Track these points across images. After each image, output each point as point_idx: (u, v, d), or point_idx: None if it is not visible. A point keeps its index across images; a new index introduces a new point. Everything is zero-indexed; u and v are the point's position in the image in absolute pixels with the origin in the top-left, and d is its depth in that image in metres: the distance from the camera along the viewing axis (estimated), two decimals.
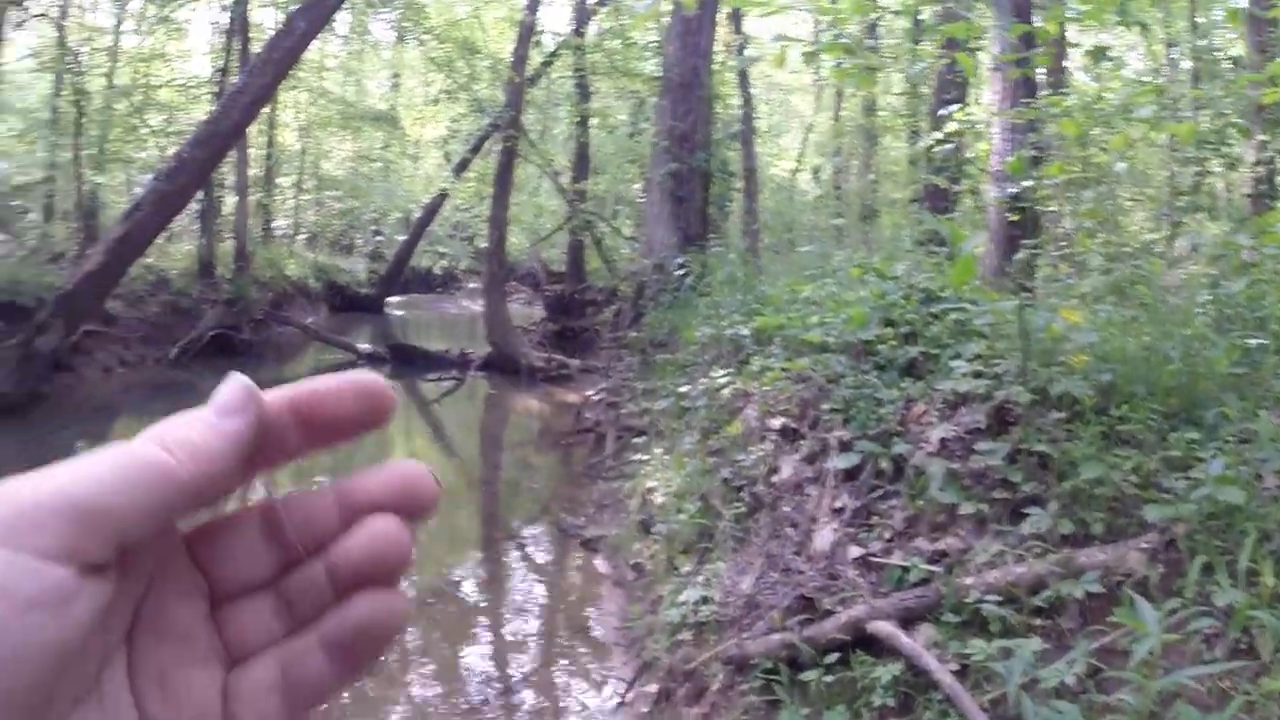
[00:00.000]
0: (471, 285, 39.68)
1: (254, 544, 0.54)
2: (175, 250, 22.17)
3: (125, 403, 15.79)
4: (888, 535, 4.54)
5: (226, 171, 21.34)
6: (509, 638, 6.73)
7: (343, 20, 21.89)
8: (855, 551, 4.54)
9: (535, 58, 20.23)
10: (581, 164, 21.88)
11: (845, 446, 4.98)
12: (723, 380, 6.70)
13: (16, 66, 28.06)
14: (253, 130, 19.40)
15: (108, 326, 17.47)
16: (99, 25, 27.45)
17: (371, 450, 12.88)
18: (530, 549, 8.71)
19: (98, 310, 15.78)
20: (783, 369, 5.85)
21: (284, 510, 0.55)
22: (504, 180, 18.08)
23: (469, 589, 7.58)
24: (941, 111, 10.11)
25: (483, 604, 7.27)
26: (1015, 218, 7.75)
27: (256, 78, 15.00)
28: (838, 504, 4.85)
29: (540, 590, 7.62)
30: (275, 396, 0.53)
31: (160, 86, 26.00)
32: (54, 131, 25.67)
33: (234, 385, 0.52)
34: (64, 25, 22.70)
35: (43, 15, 21.59)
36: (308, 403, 0.53)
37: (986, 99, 10.11)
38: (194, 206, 18.99)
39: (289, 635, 0.53)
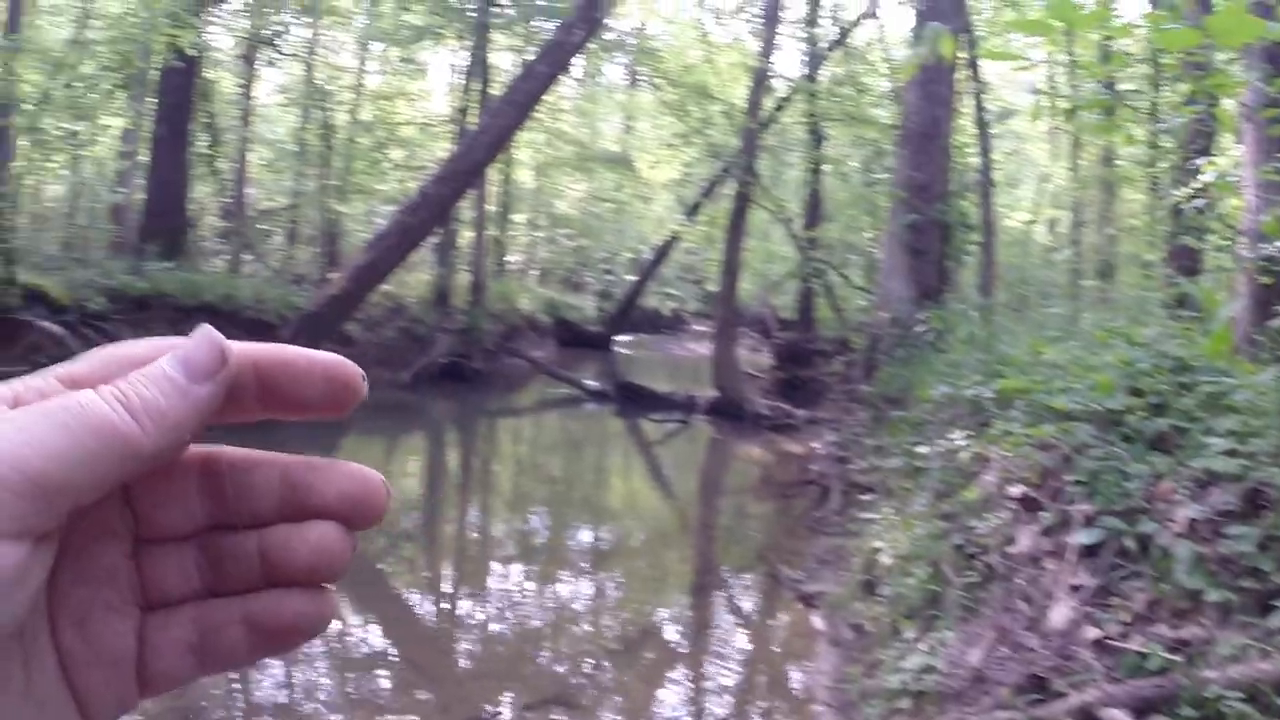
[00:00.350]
0: (698, 327, 39.96)
1: (188, 492, 0.52)
2: (413, 279, 23.08)
3: (355, 420, 16.45)
4: (1127, 618, 4.30)
5: (465, 206, 22.12)
6: (707, 685, 6.68)
7: (578, 63, 22.47)
8: (1092, 633, 4.32)
9: (767, 102, 20.29)
10: (814, 210, 21.78)
11: (1088, 521, 4.76)
12: (961, 442, 6.51)
13: (267, 101, 29.93)
14: (490, 168, 20.07)
15: (345, 347, 18.25)
16: (344, 65, 29.08)
17: (576, 463, 13.15)
18: (739, 598, 8.65)
19: (338, 332, 16.59)
20: (1025, 435, 5.64)
21: (227, 468, 0.52)
22: (737, 226, 18.17)
23: (671, 632, 7.57)
24: (1191, 164, 9.61)
25: (684, 648, 7.25)
26: (1269, 281, 7.26)
27: (498, 119, 15.55)
28: (1076, 581, 4.64)
29: (745, 640, 7.55)
30: (240, 351, 0.50)
31: (402, 124, 27.27)
32: (300, 162, 27.26)
33: (208, 342, 0.49)
34: (312, 64, 24.01)
35: (293, 55, 22.92)
36: (273, 370, 0.51)
37: (1238, 152, 9.57)
38: (432, 238, 19.76)
39: (209, 596, 0.52)
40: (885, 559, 6.61)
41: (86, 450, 0.43)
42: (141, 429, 0.44)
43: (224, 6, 20.03)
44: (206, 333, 0.49)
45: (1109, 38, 14.71)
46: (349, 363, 0.52)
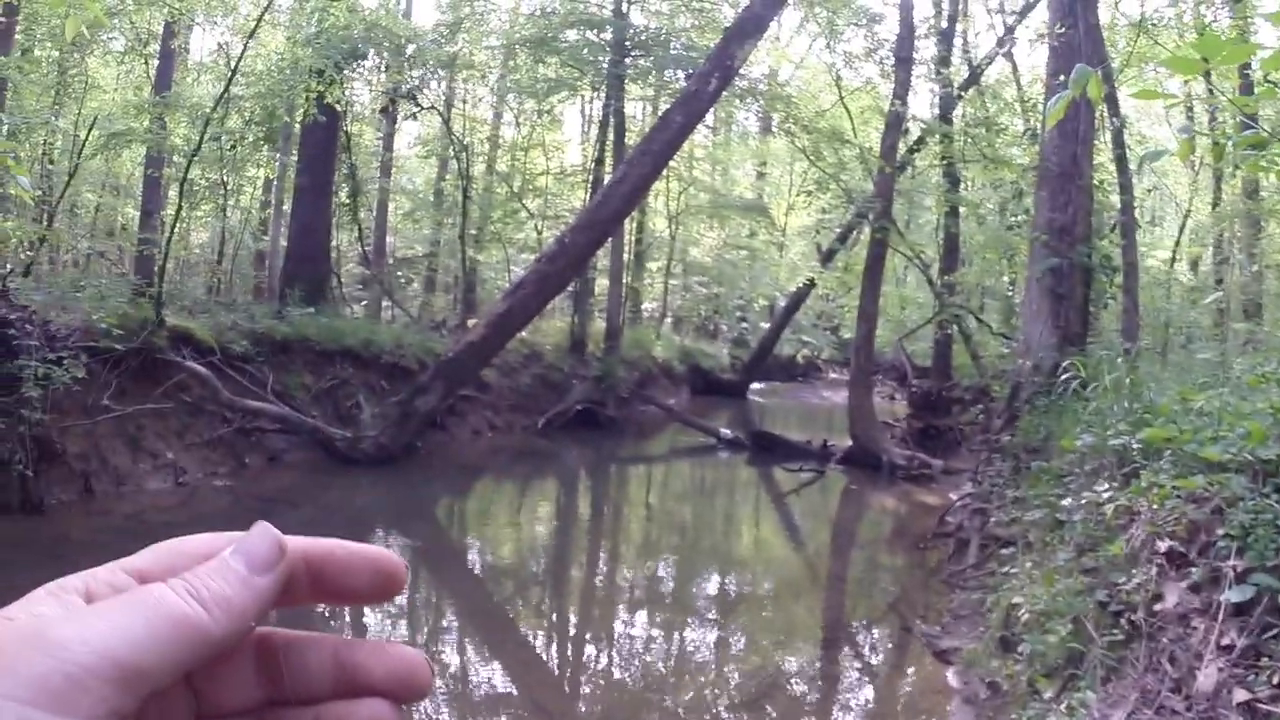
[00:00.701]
0: (833, 375, 39.64)
1: (246, 672, 0.55)
2: (549, 327, 23.36)
3: (490, 464, 16.66)
4: (1277, 680, 4.04)
5: (601, 255, 22.33)
6: None
7: (711, 112, 22.59)
8: (1241, 695, 4.05)
9: (902, 145, 20.08)
10: (950, 255, 21.38)
11: (1239, 577, 4.49)
12: (1106, 494, 6.23)
13: (407, 153, 30.74)
14: (627, 217, 20.23)
15: (482, 393, 18.59)
16: (481, 116, 29.69)
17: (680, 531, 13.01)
18: (870, 652, 8.42)
19: (475, 377, 16.80)
20: (1174, 487, 5.36)
21: (283, 648, 0.55)
22: (875, 272, 17.95)
23: (799, 685, 7.38)
24: None
25: (811, 702, 7.06)
26: None
27: (635, 168, 15.63)
28: (1225, 641, 4.37)
29: (875, 695, 7.32)
30: (293, 545, 0.54)
31: (539, 174, 27.73)
32: (438, 212, 27.89)
33: (266, 539, 0.53)
34: (449, 117, 24.54)
35: (431, 108, 23.48)
36: (322, 562, 0.55)
37: None
38: (569, 287, 19.96)
39: None
40: (1024, 615, 6.36)
41: (164, 639, 0.46)
42: (212, 618, 0.48)
43: (364, 63, 20.64)
44: (264, 528, 0.53)
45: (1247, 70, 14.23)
46: (392, 556, 0.57)
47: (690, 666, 7.60)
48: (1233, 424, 5.66)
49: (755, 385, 32.92)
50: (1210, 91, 17.01)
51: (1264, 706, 3.94)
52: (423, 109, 23.42)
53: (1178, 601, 4.81)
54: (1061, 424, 9.42)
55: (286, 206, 20.86)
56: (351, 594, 0.57)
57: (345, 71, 18.33)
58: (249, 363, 14.01)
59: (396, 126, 26.37)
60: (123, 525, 10.00)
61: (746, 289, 38.46)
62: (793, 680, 7.42)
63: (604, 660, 7.67)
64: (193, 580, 0.50)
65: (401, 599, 8.75)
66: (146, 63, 20.39)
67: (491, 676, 7.16)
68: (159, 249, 14.21)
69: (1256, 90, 13.61)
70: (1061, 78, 12.16)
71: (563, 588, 9.93)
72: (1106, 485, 6.50)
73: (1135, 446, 6.49)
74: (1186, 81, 19.82)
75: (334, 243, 22.11)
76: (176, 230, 15.39)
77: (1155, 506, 5.47)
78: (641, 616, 8.93)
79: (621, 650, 7.85)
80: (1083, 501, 6.69)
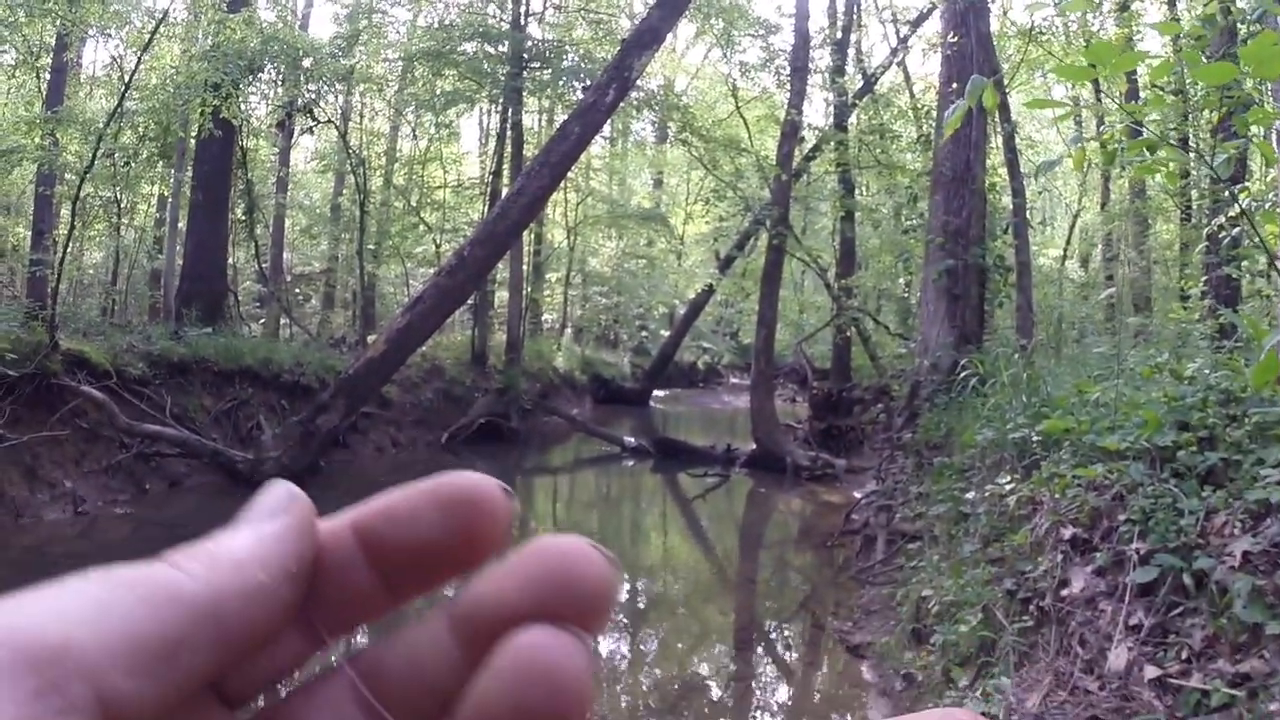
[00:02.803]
0: (734, 380, 39.98)
1: (345, 712, 0.38)
2: (449, 340, 23.22)
3: (395, 481, 15.69)
4: (1185, 655, 4.21)
5: (500, 267, 22.27)
6: None
7: (608, 122, 22.67)
8: (1152, 672, 4.22)
9: (798, 153, 20.38)
10: (847, 259, 21.76)
11: (1143, 560, 4.67)
12: (1008, 486, 6.42)
13: (304, 168, 30.38)
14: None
15: (384, 409, 18.42)
16: (379, 130, 29.46)
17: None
18: (785, 650, 8.53)
19: (376, 394, 16.65)
20: (1074, 476, 5.55)
21: (368, 664, 0.39)
22: (772, 278, 18.16)
23: (716, 687, 7.45)
24: (1225, 192, 9.50)
25: (729, 703, 7.13)
26: None
27: (533, 180, 15.62)
28: (1133, 620, 4.54)
29: (792, 693, 7.42)
30: (335, 522, 0.39)
31: (436, 187, 27.57)
32: (336, 227, 27.56)
33: (274, 490, 0.39)
34: (346, 130, 24.30)
35: (328, 122, 23.24)
36: (375, 526, 0.39)
37: (1271, 175, 9.46)
38: (469, 300, 19.89)
39: None
40: (934, 606, 6.51)
41: (123, 610, 0.32)
42: (183, 569, 0.35)
43: (260, 76, 20.34)
44: (276, 484, 0.40)
45: (1131, 76, 14.71)
46: (470, 475, 0.39)
47: (605, 675, 7.62)
48: (1128, 413, 5.87)
49: (657, 393, 33.05)
50: (1099, 97, 17.55)
51: (1175, 681, 4.10)
52: (319, 123, 23.14)
53: (1084, 586, 4.98)
54: (961, 420, 9.66)
55: (182, 224, 20.45)
56: (430, 559, 0.38)
57: (241, 86, 18.06)
58: (146, 385, 13.70)
59: (293, 141, 26.04)
60: (21, 558, 9.69)
61: (646, 297, 38.64)
62: (710, 683, 7.49)
63: None
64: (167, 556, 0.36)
65: None
66: (38, 76, 19.86)
67: None
68: (52, 270, 13.85)
69: (1143, 95, 14.08)
70: (955, 86, 12.52)
71: None
72: (1008, 477, 6.69)
73: (1035, 439, 6.69)
74: (1074, 86, 20.42)
75: (231, 260, 21.72)
76: (69, 250, 15.03)
77: (1057, 496, 5.65)
78: None
79: None
80: (986, 494, 6.88)
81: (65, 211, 16.97)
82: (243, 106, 19.33)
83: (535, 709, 0.32)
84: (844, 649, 7.63)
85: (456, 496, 0.38)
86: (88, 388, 12.48)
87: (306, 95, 21.50)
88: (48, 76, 18.48)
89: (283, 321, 23.59)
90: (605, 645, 8.46)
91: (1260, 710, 3.60)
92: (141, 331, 15.52)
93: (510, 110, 22.13)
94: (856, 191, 23.09)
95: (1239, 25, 7.43)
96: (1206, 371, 6.06)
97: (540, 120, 30.22)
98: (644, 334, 38.21)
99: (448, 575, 0.39)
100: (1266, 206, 9.22)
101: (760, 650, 8.46)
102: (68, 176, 17.26)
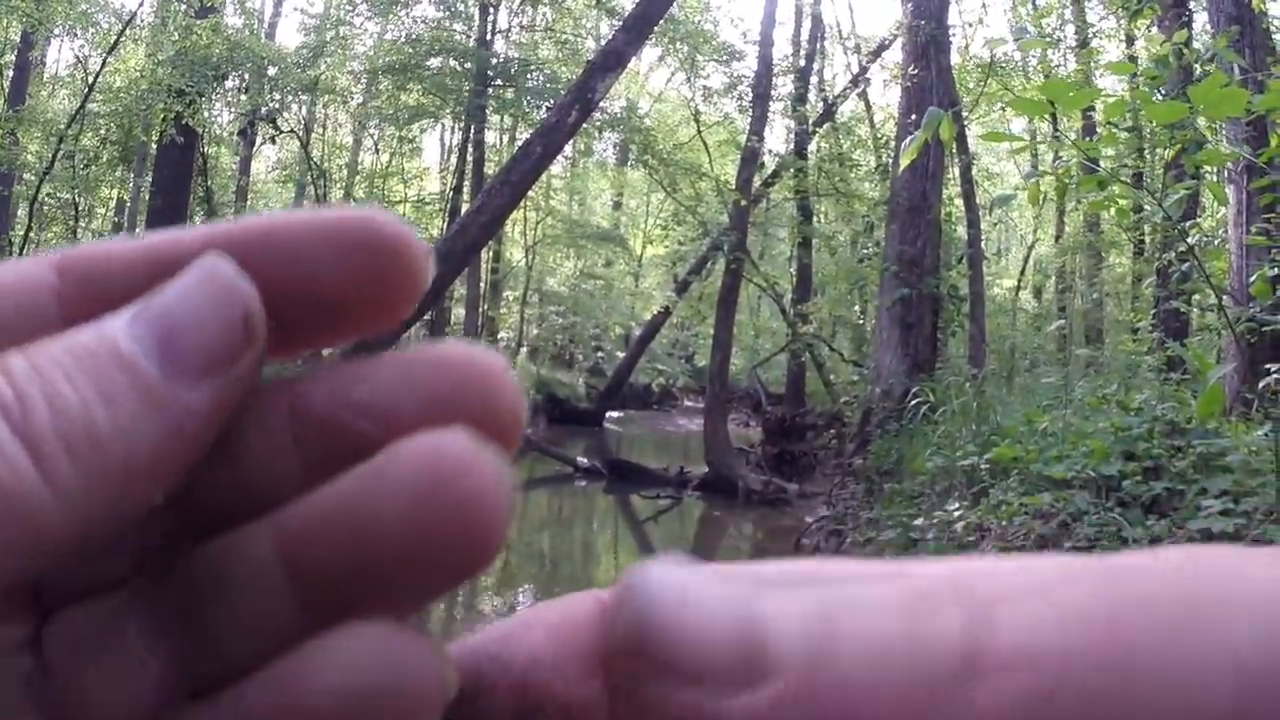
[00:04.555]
0: (688, 403, 39.98)
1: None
2: None
3: None
4: None
5: (457, 283, 22.24)
6: None
7: (570, 142, 22.71)
8: None
9: (757, 179, 20.53)
10: (803, 285, 21.92)
11: None
12: (957, 513, 6.50)
13: (265, 177, 30.22)
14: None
15: None
16: (341, 142, 29.37)
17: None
18: None
19: None
20: (1022, 504, 5.64)
21: None
22: (728, 302, 18.22)
23: None
24: (1176, 228, 9.69)
25: None
26: (1256, 340, 7.25)
27: (494, 198, 15.61)
28: None
29: None
30: (195, 236, 0.28)
31: (397, 202, 27.54)
32: None
33: (215, 297, 0.27)
34: (308, 141, 24.21)
35: (291, 132, 23.15)
36: (252, 256, 0.28)
37: (1221, 214, 9.65)
38: (425, 316, 19.83)
39: None
40: None
41: None
42: (45, 480, 0.22)
43: (224, 84, 20.25)
44: (212, 272, 0.27)
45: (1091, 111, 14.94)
46: (377, 213, 0.30)
47: None
48: (1076, 443, 5.97)
49: (611, 414, 32.98)
50: (1055, 132, 17.83)
51: None
52: (282, 133, 23.05)
53: None
54: (912, 447, 9.75)
55: (140, 230, 20.27)
56: (324, 305, 0.30)
57: (206, 92, 17.97)
58: None
59: (255, 150, 25.92)
60: None
61: (602, 318, 38.65)
62: None
63: None
64: (25, 382, 0.23)
65: None
66: (1, 74, 19.68)
67: None
68: None
69: (1099, 130, 14.31)
70: (914, 117, 12.68)
71: (423, 623, 9.83)
72: (957, 504, 6.77)
73: (984, 466, 6.78)
74: (1031, 120, 20.71)
75: None
76: (25, 253, 14.83)
77: (1004, 523, 5.73)
78: None
79: None
80: (935, 520, 6.95)
81: (22, 212, 16.82)
82: (207, 113, 19.23)
83: (443, 526, 0.25)
84: None
85: (360, 236, 0.29)
86: None
87: (270, 104, 21.43)
88: (10, 74, 18.32)
89: None
90: None
91: None
92: None
93: (473, 127, 22.15)
94: (814, 219, 23.27)
95: (1195, 65, 7.59)
96: (1154, 403, 6.17)
97: (502, 138, 30.24)
98: (599, 354, 38.17)
99: (353, 327, 0.32)
100: (1216, 243, 9.42)
101: None
102: (26, 177, 17.09)
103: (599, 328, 39.04)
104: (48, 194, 18.13)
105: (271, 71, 20.09)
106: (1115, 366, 10.58)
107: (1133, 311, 16.73)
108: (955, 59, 16.90)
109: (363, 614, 0.26)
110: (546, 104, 20.66)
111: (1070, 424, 6.55)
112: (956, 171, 14.97)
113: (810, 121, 22.12)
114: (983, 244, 14.54)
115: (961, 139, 13.63)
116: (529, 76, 22.46)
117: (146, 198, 19.98)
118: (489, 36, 22.79)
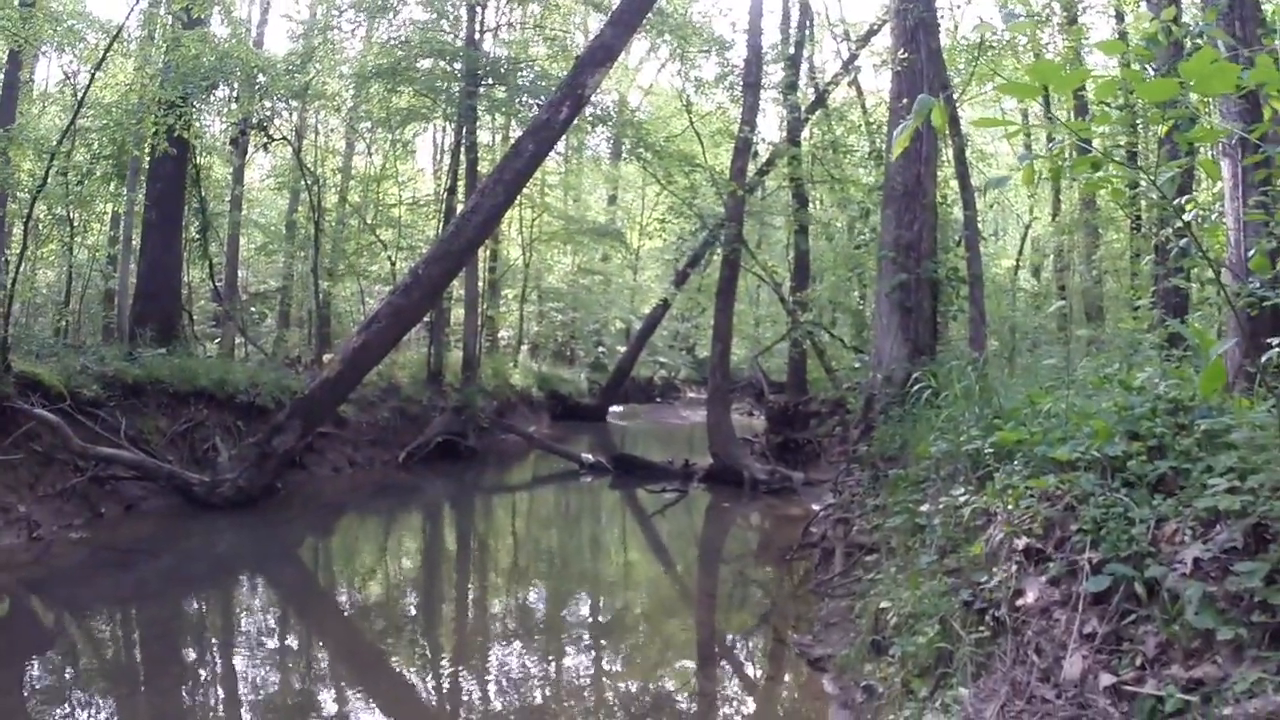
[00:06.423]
0: (690, 395, 40.09)
1: None
2: (405, 358, 23.14)
3: (352, 501, 16.40)
4: (1139, 662, 4.27)
5: (456, 285, 22.23)
6: None
7: (563, 139, 22.70)
8: (1107, 679, 4.28)
9: (751, 168, 20.50)
10: (801, 273, 21.91)
11: (1095, 569, 4.73)
12: (962, 498, 6.48)
13: (258, 185, 30.19)
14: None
15: (340, 429, 18.33)
16: (334, 148, 29.35)
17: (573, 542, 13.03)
18: (746, 664, 8.55)
19: (332, 414, 16.58)
20: (1027, 487, 5.63)
21: None
22: (727, 293, 18.24)
23: (678, 702, 7.45)
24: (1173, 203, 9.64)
25: (693, 716, 7.13)
26: (1255, 314, 7.20)
27: (488, 198, 15.62)
28: (1087, 629, 4.60)
29: (754, 706, 7.43)
30: None
31: (392, 205, 27.51)
32: (291, 245, 27.39)
33: None
34: (300, 148, 24.19)
35: (283, 139, 23.13)
36: None
37: (1217, 189, 9.60)
38: (424, 317, 19.84)
39: None
40: (892, 618, 6.56)
41: None
42: None
43: (215, 94, 20.21)
44: None
45: (1083, 92, 14.89)
46: None
47: (569, 693, 7.61)
48: (1080, 424, 5.95)
49: (614, 408, 33.09)
50: (1047, 114, 17.75)
51: (1129, 688, 4.16)
52: (274, 140, 23.02)
53: (1038, 595, 5.04)
54: (916, 432, 9.73)
55: (136, 243, 20.25)
56: None
57: (197, 103, 17.94)
58: (100, 408, 13.57)
59: (247, 158, 25.89)
60: None
61: (602, 313, 38.68)
62: (672, 698, 7.49)
63: (482, 693, 7.63)
64: None
65: (272, 643, 8.59)
66: None
67: (370, 717, 7.07)
68: (4, 290, 13.69)
69: (1091, 109, 14.26)
70: (905, 101, 12.65)
71: (434, 622, 9.84)
72: (963, 489, 6.75)
73: (988, 450, 6.76)
74: (1022, 102, 20.66)
75: (185, 279, 21.53)
76: (21, 270, 14.85)
77: (1011, 507, 5.72)
78: (517, 646, 8.90)
79: (499, 681, 7.82)
80: (941, 505, 6.94)
81: (17, 230, 16.80)
82: (199, 124, 19.20)
83: None
84: (805, 662, 7.66)
85: None
86: (41, 410, 12.35)
87: (261, 112, 21.40)
88: None
89: (238, 341, 23.41)
90: (571, 660, 8.46)
91: (1214, 715, 3.65)
92: (95, 352, 15.35)
93: (465, 127, 22.12)
94: (810, 206, 23.25)
95: (1186, 41, 7.55)
96: (1156, 381, 6.15)
97: (495, 137, 30.22)
98: (600, 350, 38.23)
99: None
100: (1213, 218, 9.39)
101: (722, 665, 8.48)
102: (20, 195, 17.07)
103: (599, 323, 39.10)
104: (42, 211, 18.12)
105: (261, 79, 20.05)
106: (1116, 345, 10.55)
107: (1132, 289, 16.69)
108: (945, 40, 16.85)
109: None
110: (538, 101, 20.64)
111: (1073, 405, 6.52)
112: (951, 154, 14.93)
113: (802, 109, 22.09)
114: (979, 225, 14.48)
115: (954, 121, 13.59)
116: (519, 74, 22.43)
117: (141, 211, 19.95)
118: (478, 36, 22.74)
